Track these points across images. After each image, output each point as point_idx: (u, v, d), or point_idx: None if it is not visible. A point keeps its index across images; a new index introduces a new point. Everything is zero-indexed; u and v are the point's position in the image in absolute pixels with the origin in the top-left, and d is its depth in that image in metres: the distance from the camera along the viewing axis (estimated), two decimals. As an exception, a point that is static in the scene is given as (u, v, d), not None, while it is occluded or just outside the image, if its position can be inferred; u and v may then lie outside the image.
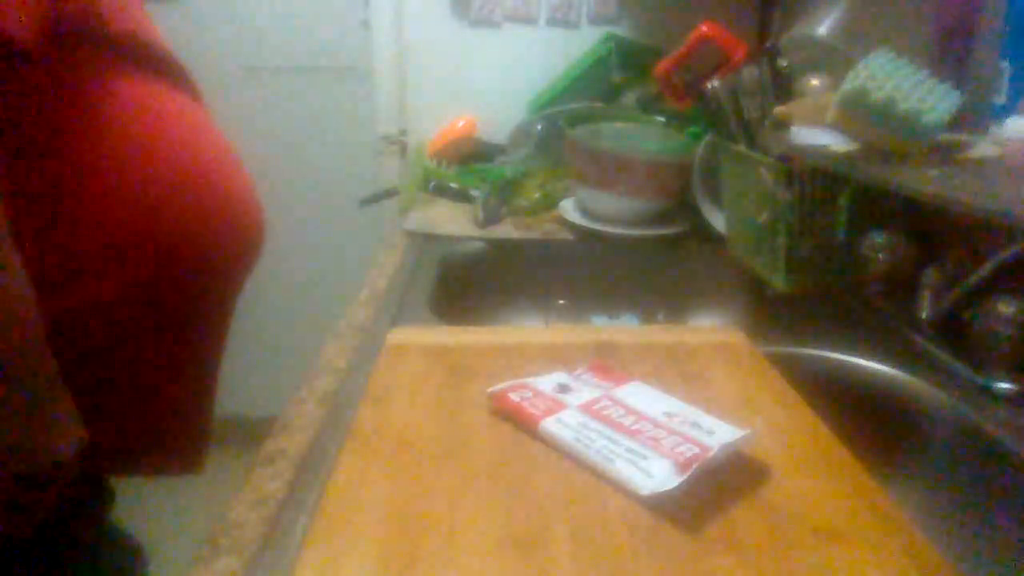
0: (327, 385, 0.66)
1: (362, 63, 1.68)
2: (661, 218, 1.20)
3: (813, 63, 1.00)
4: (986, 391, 0.66)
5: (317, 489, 0.48)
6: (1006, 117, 0.68)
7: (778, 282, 0.90)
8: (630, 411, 0.54)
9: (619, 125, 1.28)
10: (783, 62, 1.01)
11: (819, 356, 0.76)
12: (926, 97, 0.69)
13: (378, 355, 0.67)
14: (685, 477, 0.45)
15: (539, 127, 1.40)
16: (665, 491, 0.44)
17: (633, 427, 0.52)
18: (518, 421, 0.55)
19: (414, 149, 1.53)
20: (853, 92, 0.71)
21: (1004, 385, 0.65)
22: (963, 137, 0.72)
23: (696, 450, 0.48)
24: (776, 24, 1.31)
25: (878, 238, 0.83)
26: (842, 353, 0.75)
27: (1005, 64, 0.73)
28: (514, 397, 0.56)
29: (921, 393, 0.69)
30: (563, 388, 0.59)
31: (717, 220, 1.16)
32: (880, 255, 0.83)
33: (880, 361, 0.73)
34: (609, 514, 0.45)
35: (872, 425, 0.67)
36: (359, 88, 1.76)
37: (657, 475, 0.46)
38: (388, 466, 0.49)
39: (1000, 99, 0.73)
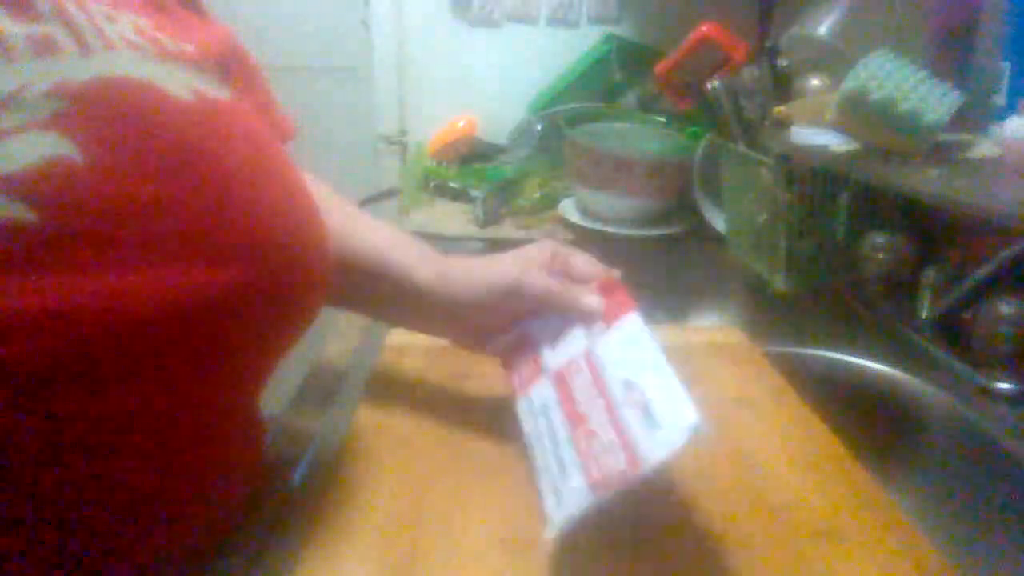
0: (327, 385, 0.66)
1: (362, 63, 1.68)
2: (661, 218, 1.20)
3: (813, 63, 1.00)
4: (986, 391, 0.66)
5: (317, 489, 0.48)
6: (1006, 117, 0.68)
7: (778, 282, 0.90)
8: (597, 378, 0.44)
9: (619, 125, 1.28)
10: (783, 62, 1.01)
11: (819, 356, 0.76)
12: (926, 97, 0.69)
13: (378, 355, 0.67)
14: (590, 503, 0.37)
15: (539, 127, 1.40)
16: (561, 530, 0.38)
17: (583, 410, 0.43)
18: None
19: (414, 149, 1.53)
20: (853, 92, 0.71)
21: (1004, 385, 0.65)
22: (963, 137, 0.73)
23: (622, 465, 0.37)
24: (776, 24, 1.31)
25: (878, 238, 0.83)
26: (842, 353, 0.75)
27: (1005, 64, 0.73)
28: (515, 364, 0.52)
29: (921, 393, 0.69)
30: (555, 335, 0.51)
31: (717, 220, 1.16)
32: (880, 255, 0.83)
33: (880, 361, 0.73)
34: (609, 513, 0.45)
35: (872, 425, 0.67)
36: (359, 88, 1.75)
37: (562, 507, 0.39)
38: (388, 466, 0.49)
39: (1000, 99, 0.73)
